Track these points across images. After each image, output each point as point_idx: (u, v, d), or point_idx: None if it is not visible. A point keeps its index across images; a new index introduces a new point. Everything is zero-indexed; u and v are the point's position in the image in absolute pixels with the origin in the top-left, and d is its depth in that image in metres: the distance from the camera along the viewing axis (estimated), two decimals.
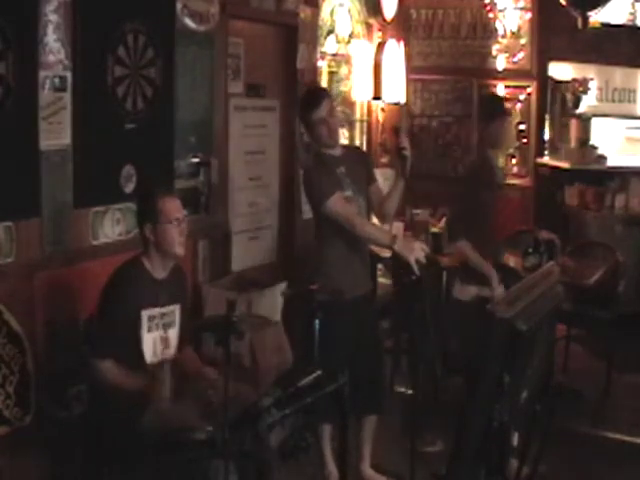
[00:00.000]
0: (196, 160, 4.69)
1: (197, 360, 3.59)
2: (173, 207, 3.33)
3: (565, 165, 6.89)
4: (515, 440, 3.09)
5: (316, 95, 4.02)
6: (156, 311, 3.36)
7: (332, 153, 3.99)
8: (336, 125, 4.03)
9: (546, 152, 7.13)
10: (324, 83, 6.40)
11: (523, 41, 7.09)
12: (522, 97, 7.16)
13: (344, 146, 4.27)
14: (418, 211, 6.47)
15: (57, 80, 3.70)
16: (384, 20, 6.90)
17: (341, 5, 6.51)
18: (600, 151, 6.88)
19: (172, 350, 3.45)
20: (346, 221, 3.84)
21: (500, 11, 7.16)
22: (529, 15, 7.03)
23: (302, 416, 3.27)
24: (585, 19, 5.99)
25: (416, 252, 3.68)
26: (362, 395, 3.69)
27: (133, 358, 3.28)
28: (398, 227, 6.02)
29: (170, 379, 3.23)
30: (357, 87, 6.66)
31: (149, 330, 3.33)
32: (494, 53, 7.22)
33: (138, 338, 3.29)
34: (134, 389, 3.19)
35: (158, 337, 3.38)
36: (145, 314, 3.31)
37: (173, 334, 3.45)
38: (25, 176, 3.59)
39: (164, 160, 4.45)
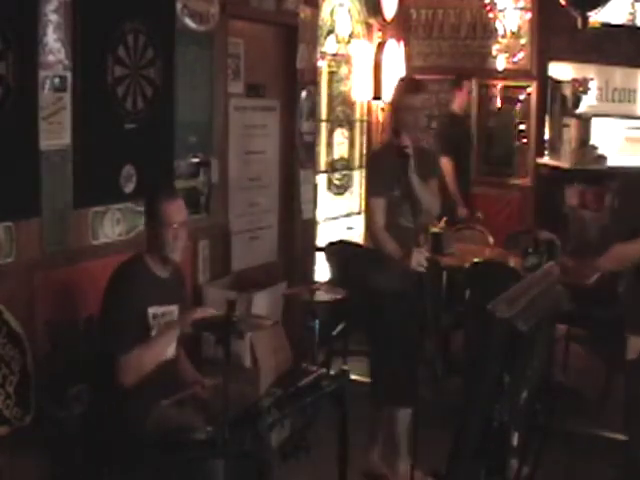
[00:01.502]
0: (196, 160, 4.69)
1: (187, 363, 3.60)
2: (173, 211, 3.34)
3: (565, 165, 6.89)
4: (515, 440, 3.09)
5: (416, 84, 4.19)
6: (159, 309, 3.37)
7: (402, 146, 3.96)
8: (420, 120, 4.17)
9: (546, 152, 7.13)
10: (324, 83, 6.41)
11: (523, 41, 7.09)
12: (522, 97, 7.16)
13: (416, 146, 4.15)
14: None
15: (57, 80, 3.70)
16: (384, 20, 6.90)
17: (341, 5, 6.51)
18: (600, 151, 6.89)
19: (172, 349, 3.44)
20: (372, 223, 4.12)
21: (500, 11, 7.16)
22: (529, 15, 7.04)
23: (302, 416, 3.28)
24: (585, 19, 5.99)
25: (415, 261, 3.87)
26: (399, 384, 3.89)
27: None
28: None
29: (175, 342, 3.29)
30: (357, 87, 6.67)
31: (152, 328, 3.34)
32: (494, 53, 7.22)
33: (145, 335, 3.28)
34: (161, 355, 3.22)
35: None
36: (150, 311, 3.32)
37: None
38: (25, 176, 3.59)
39: (164, 160, 4.44)
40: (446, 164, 6.24)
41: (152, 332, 3.32)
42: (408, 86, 4.17)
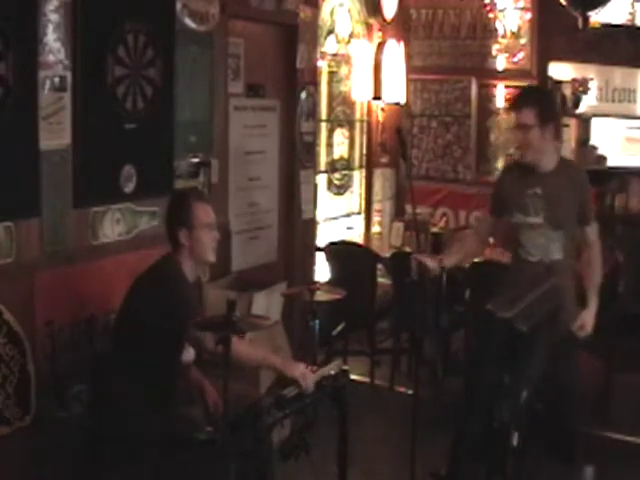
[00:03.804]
0: (196, 160, 4.69)
1: (196, 370, 3.60)
2: (207, 212, 3.34)
3: None
4: (515, 440, 3.09)
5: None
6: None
7: (530, 166, 3.60)
8: (519, 137, 3.63)
9: None
10: (324, 83, 6.41)
11: (523, 41, 7.09)
12: None
13: (562, 161, 3.75)
14: (418, 211, 6.48)
15: (57, 80, 3.70)
16: (384, 20, 6.90)
17: (341, 5, 6.51)
18: (600, 151, 6.88)
19: (192, 352, 3.44)
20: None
21: (500, 11, 7.15)
22: (529, 15, 7.03)
23: (302, 416, 3.28)
24: (585, 19, 5.98)
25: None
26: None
27: (171, 355, 3.26)
28: (398, 227, 6.02)
29: None
30: (357, 87, 6.67)
31: None
32: (494, 53, 7.22)
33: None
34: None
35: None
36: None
37: None
38: (25, 176, 3.59)
39: (164, 160, 4.44)
40: None
41: None
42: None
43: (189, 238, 3.31)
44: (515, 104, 3.70)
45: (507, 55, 7.17)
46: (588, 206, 3.66)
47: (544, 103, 3.68)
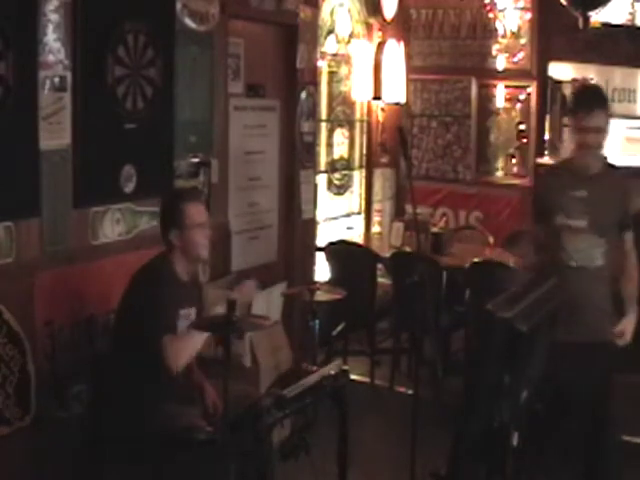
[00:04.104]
0: (196, 160, 4.69)
1: (196, 370, 3.60)
2: (198, 212, 3.38)
3: None
4: (515, 440, 3.09)
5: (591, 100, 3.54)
6: (186, 311, 3.40)
7: (578, 168, 3.50)
8: (589, 140, 3.44)
9: (546, 152, 7.13)
10: (324, 83, 6.41)
11: (523, 41, 7.09)
12: (522, 97, 7.16)
13: (606, 165, 3.64)
14: (418, 211, 6.47)
15: (57, 80, 3.70)
16: (384, 20, 6.90)
17: (341, 5, 6.51)
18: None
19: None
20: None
21: (500, 11, 7.16)
22: (529, 15, 7.03)
23: (302, 416, 3.28)
24: (585, 19, 5.98)
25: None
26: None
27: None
28: (398, 227, 6.02)
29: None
30: (357, 87, 6.66)
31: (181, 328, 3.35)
32: (494, 53, 7.22)
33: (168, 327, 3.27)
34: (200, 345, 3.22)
35: None
36: (181, 313, 3.34)
37: None
38: (25, 176, 3.59)
39: (164, 160, 4.44)
40: None
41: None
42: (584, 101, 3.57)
43: (181, 238, 3.36)
44: (585, 105, 3.50)
45: (507, 55, 7.17)
46: (629, 212, 3.56)
47: (608, 103, 3.57)
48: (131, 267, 3.50)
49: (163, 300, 3.24)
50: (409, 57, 7.26)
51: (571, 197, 3.42)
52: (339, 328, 5.55)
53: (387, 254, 5.64)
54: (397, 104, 7.05)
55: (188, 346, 3.22)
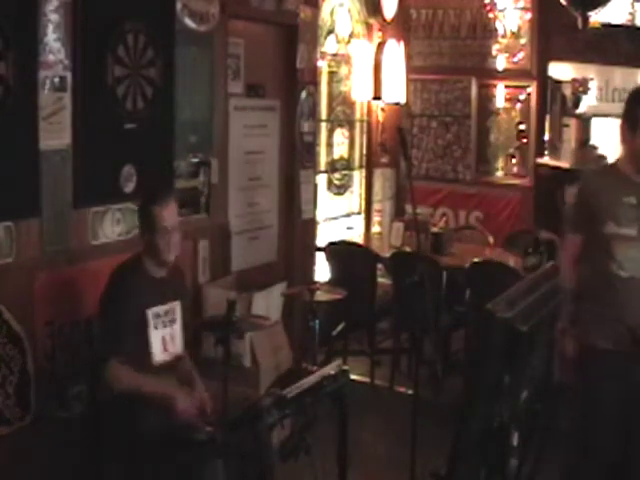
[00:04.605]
0: (196, 160, 4.69)
1: (188, 363, 3.61)
2: (165, 216, 3.39)
3: (565, 165, 6.89)
4: (515, 440, 3.09)
5: None
6: (161, 309, 3.41)
7: (626, 174, 3.28)
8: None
9: (546, 152, 7.13)
10: (324, 83, 6.41)
11: (523, 41, 7.09)
12: (522, 97, 7.16)
13: None
14: (418, 211, 6.48)
15: (57, 80, 3.70)
16: (384, 20, 6.90)
17: (341, 5, 6.51)
18: (600, 151, 6.88)
19: (179, 346, 3.48)
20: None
21: (500, 11, 7.16)
22: (529, 15, 7.04)
23: (302, 416, 3.27)
24: (585, 19, 5.98)
25: None
26: None
27: (140, 358, 3.29)
28: (398, 227, 6.02)
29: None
30: (357, 87, 6.66)
31: (156, 327, 3.38)
32: (494, 53, 7.22)
33: (145, 338, 3.31)
34: (148, 390, 3.20)
35: (167, 334, 3.44)
36: (150, 312, 3.35)
37: (177, 330, 3.51)
38: (25, 176, 3.59)
39: (164, 160, 4.44)
40: None
41: (158, 331, 3.38)
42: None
43: (149, 241, 3.42)
44: None
45: (507, 55, 7.17)
46: None
47: None
48: None
49: (120, 311, 3.27)
50: (409, 57, 7.27)
51: (621, 204, 3.22)
52: (339, 328, 5.56)
53: (387, 254, 5.64)
54: (397, 104, 7.05)
55: (129, 383, 3.23)
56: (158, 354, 3.39)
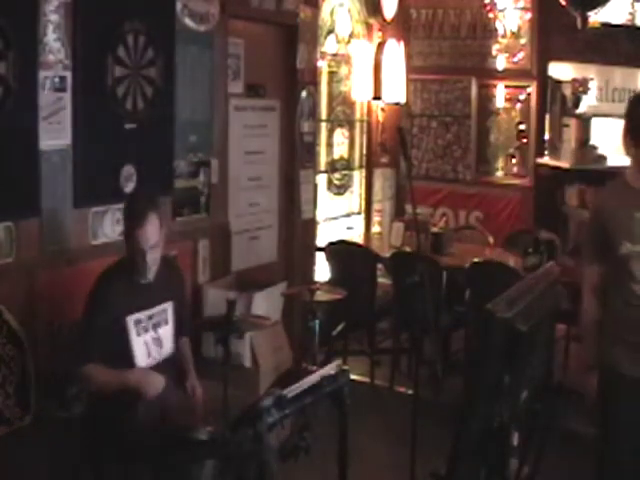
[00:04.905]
0: (196, 160, 4.69)
1: (187, 359, 3.59)
2: (142, 238, 3.24)
3: (565, 165, 6.89)
4: (515, 440, 3.09)
5: None
6: (143, 314, 3.36)
7: (635, 187, 3.14)
8: None
9: (546, 152, 7.13)
10: (324, 83, 6.41)
11: (523, 41, 7.09)
12: (522, 97, 7.17)
13: None
14: (418, 211, 6.48)
15: (57, 80, 3.70)
16: (384, 20, 6.90)
17: (341, 5, 6.51)
18: (600, 151, 6.88)
19: (167, 348, 3.46)
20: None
21: (500, 11, 7.16)
22: (529, 15, 7.04)
23: (302, 416, 3.27)
24: (585, 19, 5.98)
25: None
26: None
27: (122, 364, 3.26)
28: (398, 227, 6.02)
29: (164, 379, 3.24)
30: (357, 87, 6.67)
31: (138, 334, 3.33)
32: (494, 53, 7.22)
33: (126, 343, 3.29)
34: (120, 386, 3.17)
35: (150, 339, 3.38)
36: (130, 319, 3.31)
37: (166, 332, 3.46)
38: (25, 176, 3.59)
39: (164, 160, 4.45)
40: None
41: (140, 337, 3.33)
42: None
43: (128, 255, 3.33)
44: None
45: (507, 55, 7.18)
46: None
47: None
48: None
49: (96, 316, 3.24)
50: (409, 57, 7.27)
51: (634, 220, 3.01)
52: (339, 328, 5.56)
53: (387, 254, 5.64)
54: (397, 104, 7.06)
55: (98, 382, 3.23)
56: (141, 360, 3.33)
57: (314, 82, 5.91)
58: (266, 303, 4.65)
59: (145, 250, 3.25)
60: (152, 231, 3.27)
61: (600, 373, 3.16)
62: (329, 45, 6.40)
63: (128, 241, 3.30)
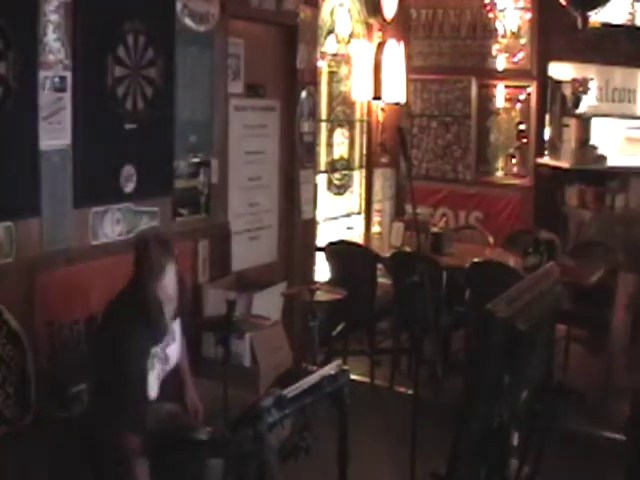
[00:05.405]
0: (196, 160, 4.69)
1: (184, 370, 3.54)
2: (163, 291, 3.08)
3: (565, 165, 6.89)
4: (515, 440, 3.09)
5: None
6: (159, 347, 3.24)
7: None
8: None
9: (546, 152, 7.14)
10: (324, 83, 6.41)
11: (523, 41, 7.09)
12: (522, 97, 7.17)
13: None
14: (418, 211, 6.47)
15: (57, 80, 3.70)
16: (384, 20, 6.90)
17: (341, 5, 6.51)
18: (600, 151, 6.89)
19: (172, 363, 3.39)
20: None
21: (500, 11, 7.16)
22: (529, 15, 7.04)
23: (302, 416, 3.27)
24: (585, 19, 5.98)
25: None
26: None
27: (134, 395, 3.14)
28: (398, 227, 6.02)
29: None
30: (357, 87, 6.67)
31: (153, 367, 3.21)
32: (494, 53, 7.23)
33: (144, 377, 3.15)
34: None
35: (159, 365, 3.27)
36: (153, 351, 3.18)
37: (173, 349, 3.37)
38: (25, 176, 3.59)
39: (164, 160, 4.45)
40: None
41: (150, 372, 3.19)
42: None
43: (143, 303, 3.11)
44: None
45: (507, 55, 7.18)
46: None
47: None
48: (131, 267, 3.49)
49: (132, 365, 3.04)
50: (409, 57, 7.27)
51: None
52: (339, 328, 5.56)
53: (387, 254, 5.64)
54: (397, 104, 7.05)
55: None
56: (154, 390, 3.22)
57: (314, 82, 5.91)
58: (266, 303, 4.65)
59: (163, 302, 3.09)
60: (171, 282, 3.10)
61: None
62: (329, 45, 6.40)
63: (141, 290, 3.07)
